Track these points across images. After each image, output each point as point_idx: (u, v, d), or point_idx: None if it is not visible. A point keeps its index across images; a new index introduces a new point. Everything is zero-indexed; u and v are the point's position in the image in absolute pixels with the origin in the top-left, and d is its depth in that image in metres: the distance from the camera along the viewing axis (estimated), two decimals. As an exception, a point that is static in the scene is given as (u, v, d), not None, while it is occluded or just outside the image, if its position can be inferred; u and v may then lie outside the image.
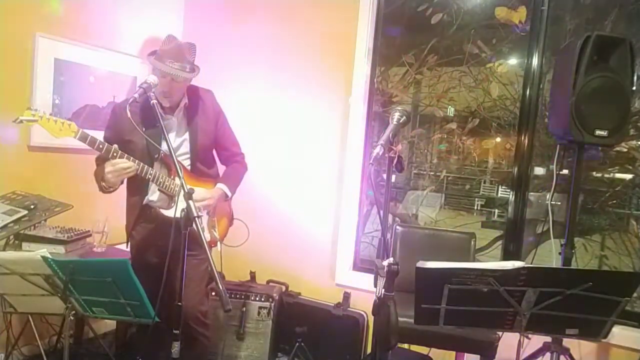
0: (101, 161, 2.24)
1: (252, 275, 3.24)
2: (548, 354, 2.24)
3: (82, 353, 2.84)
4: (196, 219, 1.68)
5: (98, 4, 3.05)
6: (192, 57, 2.23)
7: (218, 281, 1.63)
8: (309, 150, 3.31)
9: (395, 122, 1.64)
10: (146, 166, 2.10)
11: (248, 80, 3.44)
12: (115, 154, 2.02)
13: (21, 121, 1.91)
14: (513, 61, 3.07)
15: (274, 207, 3.38)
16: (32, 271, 1.73)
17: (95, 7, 3.03)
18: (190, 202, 1.70)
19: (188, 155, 2.30)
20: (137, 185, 2.25)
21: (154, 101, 1.93)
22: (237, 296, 2.99)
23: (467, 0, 3.08)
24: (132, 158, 2.06)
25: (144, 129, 2.07)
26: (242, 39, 3.47)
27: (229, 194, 2.38)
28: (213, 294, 2.59)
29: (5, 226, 2.32)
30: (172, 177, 2.19)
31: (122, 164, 2.02)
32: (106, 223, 2.66)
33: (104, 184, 2.12)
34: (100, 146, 2.00)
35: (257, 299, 3.01)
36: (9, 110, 2.65)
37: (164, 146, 2.13)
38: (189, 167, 2.30)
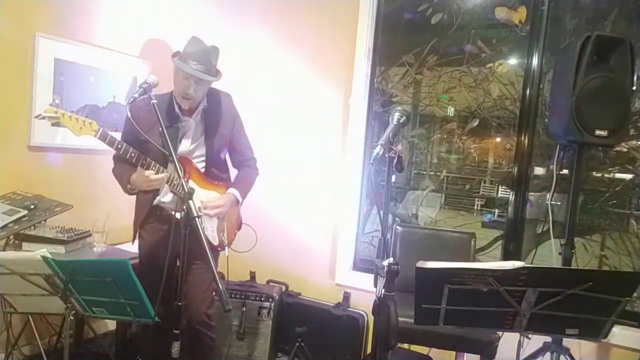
0: (118, 160, 2.24)
1: (252, 275, 3.24)
2: (548, 354, 2.24)
3: (82, 353, 2.84)
4: (196, 219, 1.68)
5: (98, 4, 3.05)
6: (215, 61, 2.21)
7: (218, 281, 1.63)
8: (309, 150, 3.31)
9: (395, 122, 1.65)
10: (165, 170, 2.09)
11: (248, 81, 3.44)
12: (133, 155, 2.02)
13: (43, 117, 1.92)
14: (513, 61, 3.07)
15: (273, 207, 3.38)
16: (32, 271, 1.73)
17: (95, 7, 3.03)
18: (191, 202, 1.70)
19: (203, 159, 2.29)
20: None
21: (154, 101, 1.92)
22: (237, 296, 3.00)
23: (467, 0, 3.08)
24: (160, 167, 2.06)
25: (159, 130, 2.07)
26: (242, 40, 3.47)
27: (240, 199, 2.37)
28: (213, 294, 2.59)
29: (5, 226, 2.32)
30: (185, 178, 2.17)
31: (154, 176, 2.04)
32: (106, 223, 2.65)
33: (129, 186, 2.15)
34: (119, 146, 2.00)
35: (257, 299, 3.01)
36: (9, 110, 2.67)
37: (179, 148, 2.14)
38: (203, 170, 2.29)
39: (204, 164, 2.29)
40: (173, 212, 2.18)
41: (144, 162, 2.04)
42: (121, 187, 2.21)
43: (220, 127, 2.31)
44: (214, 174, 2.33)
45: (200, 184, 2.24)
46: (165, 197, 2.26)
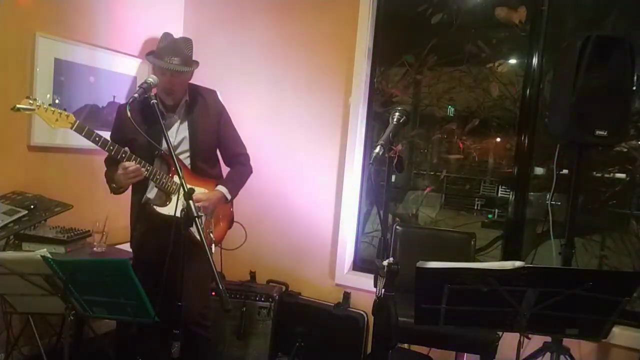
0: (109, 163, 2.26)
1: (252, 275, 3.24)
2: (548, 354, 2.24)
3: (82, 353, 2.83)
4: (196, 218, 1.68)
5: (98, 4, 3.05)
6: (189, 51, 2.25)
7: (218, 281, 1.63)
8: (309, 150, 3.31)
9: (395, 122, 1.65)
10: (147, 164, 2.12)
11: (248, 81, 3.44)
12: (112, 148, 2.06)
13: (18, 109, 1.92)
14: (513, 61, 3.07)
15: (274, 207, 3.38)
16: (32, 271, 1.72)
17: (95, 7, 3.03)
18: (191, 201, 1.70)
19: (188, 154, 2.30)
20: (139, 184, 2.25)
21: (154, 101, 1.94)
22: (237, 296, 3.00)
23: (467, 0, 3.08)
24: (138, 159, 2.09)
25: (145, 128, 2.09)
26: (242, 39, 3.47)
27: (229, 196, 2.36)
28: (213, 294, 2.59)
29: (5, 226, 2.32)
30: (170, 175, 2.19)
31: (132, 167, 2.07)
32: (106, 223, 2.65)
33: (114, 185, 2.19)
34: (97, 139, 2.03)
35: (257, 299, 3.01)
36: (9, 110, 2.66)
37: (164, 144, 2.15)
38: (189, 166, 2.29)
39: (189, 160, 2.30)
40: (156, 208, 2.20)
41: (123, 155, 2.07)
42: (109, 188, 2.25)
43: (204, 121, 2.33)
44: (201, 169, 2.33)
45: (186, 180, 2.25)
46: (151, 194, 2.28)
